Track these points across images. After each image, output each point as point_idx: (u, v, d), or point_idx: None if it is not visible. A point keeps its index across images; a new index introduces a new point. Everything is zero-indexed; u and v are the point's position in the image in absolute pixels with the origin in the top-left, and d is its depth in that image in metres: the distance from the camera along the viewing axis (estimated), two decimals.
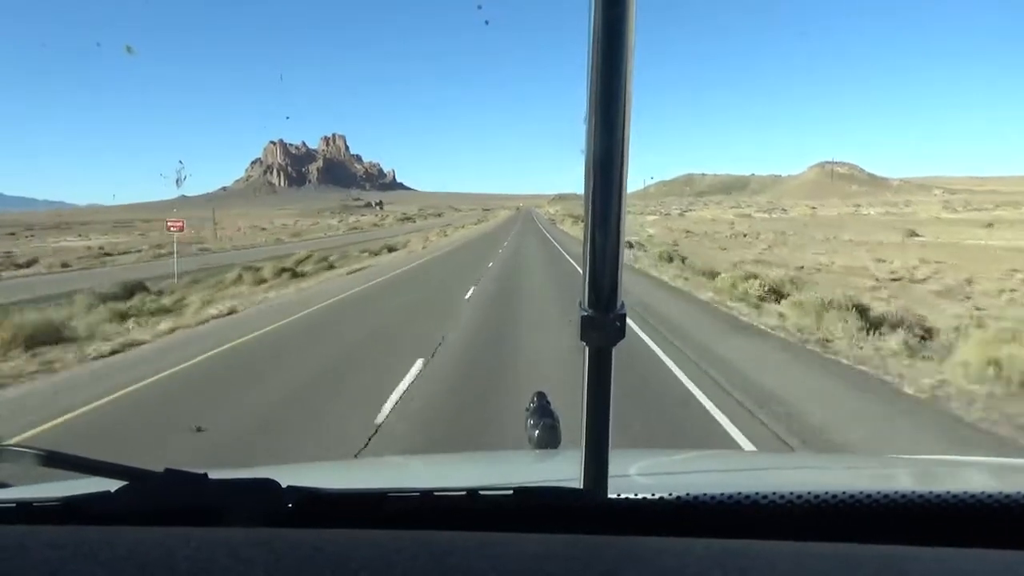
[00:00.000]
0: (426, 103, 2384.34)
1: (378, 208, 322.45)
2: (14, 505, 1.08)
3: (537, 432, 1.95)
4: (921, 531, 0.97)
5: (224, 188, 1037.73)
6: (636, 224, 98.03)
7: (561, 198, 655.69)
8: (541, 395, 2.10)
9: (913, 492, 1.01)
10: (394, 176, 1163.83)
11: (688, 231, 76.91)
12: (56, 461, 0.96)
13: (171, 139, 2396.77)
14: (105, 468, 0.96)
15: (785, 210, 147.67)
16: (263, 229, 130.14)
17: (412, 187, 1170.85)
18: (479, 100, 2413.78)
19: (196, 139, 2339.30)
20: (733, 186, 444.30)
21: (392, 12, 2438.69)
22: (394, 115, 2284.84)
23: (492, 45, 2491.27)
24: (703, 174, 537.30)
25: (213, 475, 1.00)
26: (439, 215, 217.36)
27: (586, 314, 0.83)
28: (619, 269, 0.81)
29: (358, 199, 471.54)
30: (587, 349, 0.86)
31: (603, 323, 0.83)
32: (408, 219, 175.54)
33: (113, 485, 0.96)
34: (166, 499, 0.97)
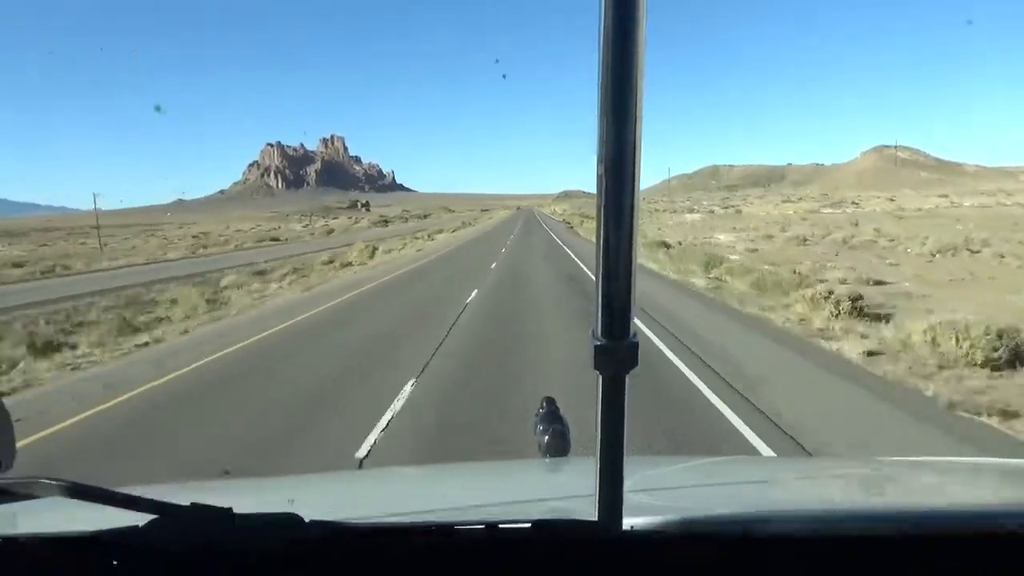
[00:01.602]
0: (426, 104, 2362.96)
1: (364, 210, 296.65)
2: (43, 537, 1.11)
3: (547, 439, 1.95)
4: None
5: (222, 191, 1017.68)
6: (682, 229, 71.53)
7: (567, 196, 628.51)
8: (550, 400, 2.09)
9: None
10: (393, 177, 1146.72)
11: (768, 235, 50.98)
12: (85, 494, 0.98)
13: (171, 142, 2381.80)
14: (133, 502, 0.98)
15: (856, 203, 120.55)
16: (195, 237, 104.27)
17: (412, 188, 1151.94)
18: (479, 99, 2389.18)
19: (195, 142, 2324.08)
20: (768, 177, 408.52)
21: (392, 11, 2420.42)
22: (393, 116, 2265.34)
23: (492, 44, 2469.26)
24: (730, 165, 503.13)
25: (238, 496, 1.03)
26: (424, 216, 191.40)
27: (599, 343, 0.81)
28: (631, 296, 0.80)
29: (356, 201, 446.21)
30: (600, 378, 0.84)
31: (617, 351, 0.81)
32: (385, 222, 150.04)
33: (142, 519, 0.99)
34: (193, 535, 1.00)
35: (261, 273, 29.50)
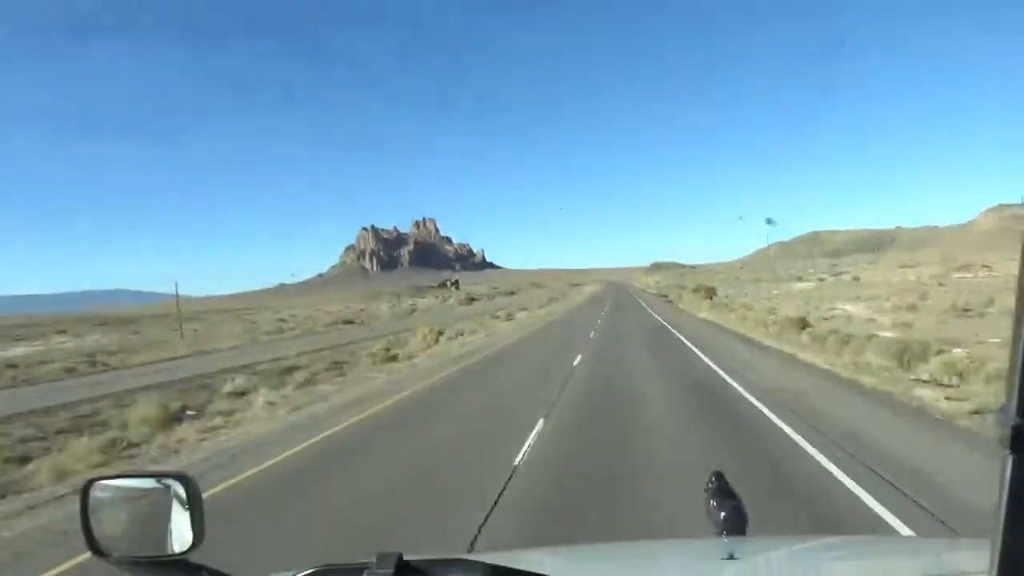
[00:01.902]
0: (513, 184, 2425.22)
1: (453, 288, 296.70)
2: None
3: (723, 515, 1.86)
4: None
5: (320, 275, 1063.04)
6: (795, 300, 62.49)
7: (657, 267, 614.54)
8: (720, 475, 2.02)
9: None
10: (483, 256, 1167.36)
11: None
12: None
13: (273, 230, 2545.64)
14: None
15: (988, 267, 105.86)
16: (280, 320, 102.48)
17: (501, 265, 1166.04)
18: (566, 176, 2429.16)
19: (296, 228, 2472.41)
20: (875, 242, 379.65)
21: (481, 101, 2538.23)
22: (482, 198, 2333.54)
23: (569, 126, 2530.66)
24: (832, 231, 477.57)
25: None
26: (511, 293, 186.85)
27: (1018, 423, 0.70)
28: None
29: (445, 280, 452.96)
30: (1011, 459, 0.72)
31: None
32: (471, 300, 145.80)
33: None
34: None
35: (288, 371, 23.47)
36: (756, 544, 1.85)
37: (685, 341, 22.70)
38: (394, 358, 24.42)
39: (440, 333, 34.73)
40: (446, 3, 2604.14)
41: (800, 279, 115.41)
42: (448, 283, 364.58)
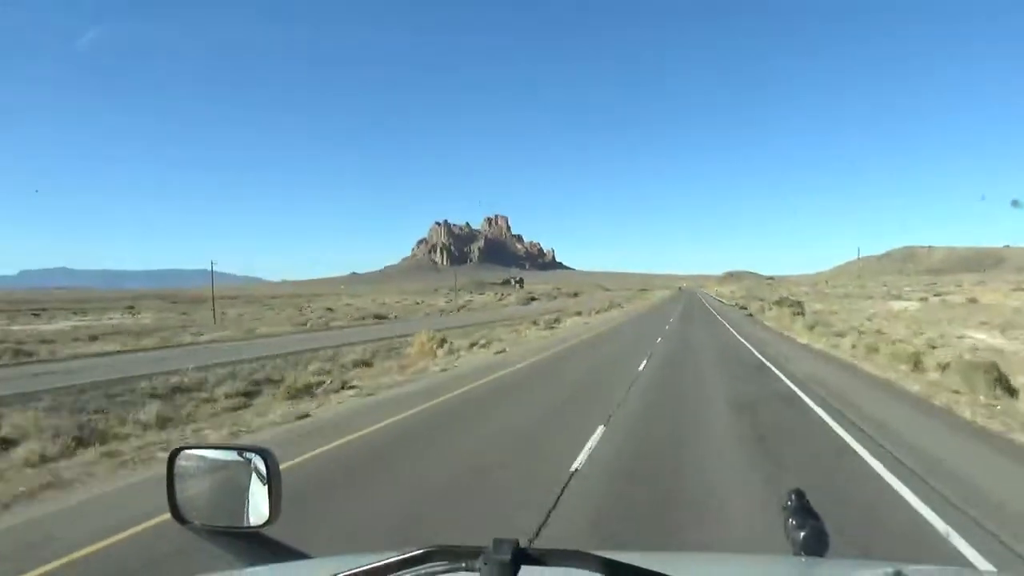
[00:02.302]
0: (587, 184, 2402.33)
1: (517, 286, 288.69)
2: None
3: (803, 535, 1.79)
4: None
5: (391, 266, 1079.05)
6: (899, 322, 51.59)
7: (732, 276, 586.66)
8: (800, 494, 1.93)
9: None
10: (553, 255, 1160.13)
11: None
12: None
13: (350, 218, 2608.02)
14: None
15: None
16: (328, 310, 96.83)
17: (570, 266, 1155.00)
18: (641, 180, 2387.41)
19: (371, 219, 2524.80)
20: (979, 261, 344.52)
21: (555, 94, 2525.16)
22: (556, 196, 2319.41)
23: (649, 128, 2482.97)
24: (929, 247, 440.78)
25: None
26: (574, 295, 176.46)
27: None
28: None
29: (510, 278, 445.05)
30: None
31: None
32: (531, 299, 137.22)
33: None
34: None
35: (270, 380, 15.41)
36: (834, 566, 1.81)
37: (803, 396, 13.15)
38: (308, 389, 15.74)
39: (443, 342, 26.30)
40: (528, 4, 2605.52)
41: (899, 297, 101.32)
42: (512, 281, 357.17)
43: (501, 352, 24.13)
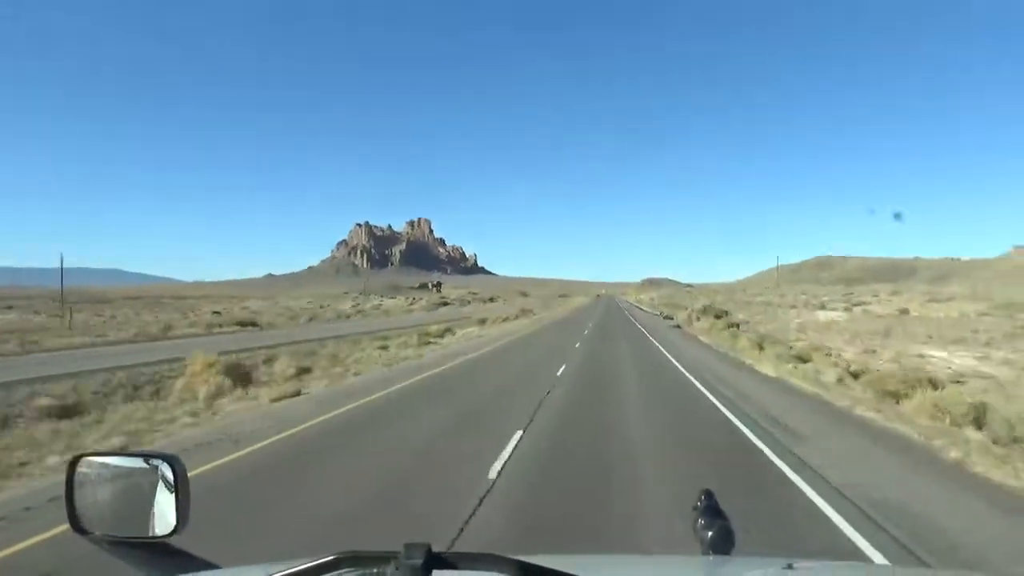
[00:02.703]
0: (511, 190, 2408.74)
1: (434, 290, 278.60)
2: None
3: (710, 534, 1.82)
4: None
5: (310, 268, 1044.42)
6: (834, 334, 46.33)
7: (651, 283, 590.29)
8: (709, 494, 1.96)
9: None
10: (476, 260, 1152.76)
11: None
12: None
13: (267, 219, 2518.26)
14: None
15: None
16: (215, 313, 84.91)
17: (493, 272, 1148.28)
18: (563, 187, 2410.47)
19: (290, 220, 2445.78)
20: (892, 272, 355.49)
21: (482, 100, 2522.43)
22: (479, 202, 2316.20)
23: (569, 136, 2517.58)
24: (843, 257, 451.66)
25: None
26: (490, 300, 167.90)
27: None
28: None
29: (426, 282, 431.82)
30: None
31: None
32: (443, 304, 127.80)
33: None
34: None
35: None
36: (740, 565, 1.83)
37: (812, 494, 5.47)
38: None
39: (237, 375, 17.00)
40: (471, 21, 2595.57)
41: (823, 307, 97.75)
42: (430, 285, 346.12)
43: (293, 396, 14.88)
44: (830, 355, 31.20)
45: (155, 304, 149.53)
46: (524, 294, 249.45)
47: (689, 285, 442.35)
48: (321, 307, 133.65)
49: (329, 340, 32.99)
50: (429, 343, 30.04)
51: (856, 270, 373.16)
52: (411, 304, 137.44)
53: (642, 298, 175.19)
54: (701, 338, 33.49)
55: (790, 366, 19.45)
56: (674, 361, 23.38)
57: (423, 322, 60.45)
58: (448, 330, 38.23)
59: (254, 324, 53.88)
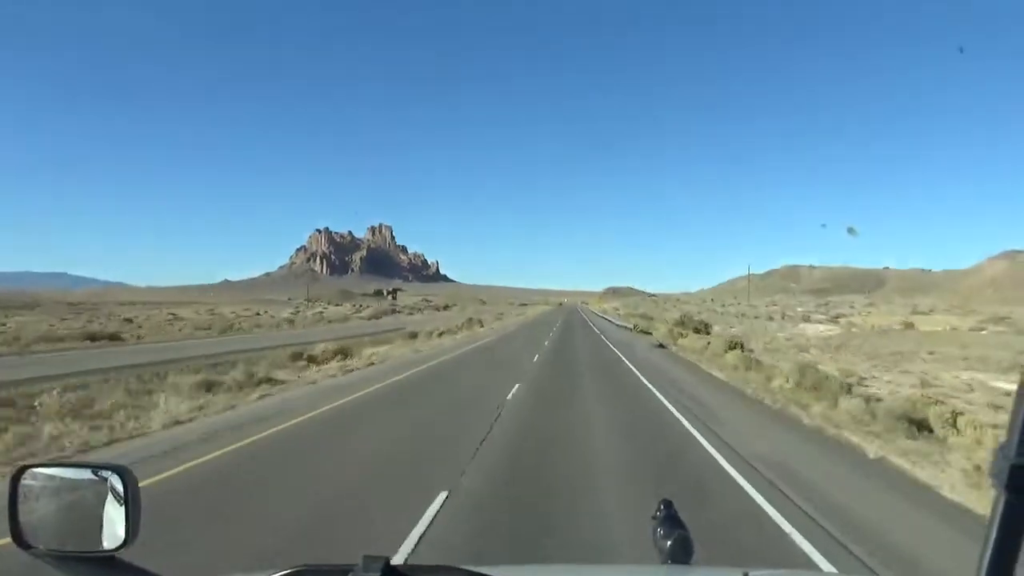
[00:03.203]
0: (473, 198, 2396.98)
1: (390, 298, 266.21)
2: None
3: (669, 544, 1.83)
4: None
5: (268, 274, 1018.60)
6: (832, 352, 36.41)
7: (614, 292, 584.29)
8: (668, 503, 1.97)
9: None
10: (438, 268, 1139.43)
11: None
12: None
13: (222, 224, 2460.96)
14: None
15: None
16: (129, 321, 72.51)
17: (455, 279, 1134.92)
18: (526, 196, 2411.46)
19: (247, 226, 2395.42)
20: (861, 282, 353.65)
21: (447, 107, 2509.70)
22: (442, 208, 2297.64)
23: (536, 141, 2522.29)
24: (811, 266, 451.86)
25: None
26: (445, 308, 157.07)
27: (1017, 462, 0.67)
28: None
29: (381, 289, 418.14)
30: (1004, 499, 0.70)
31: None
32: (394, 311, 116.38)
33: None
34: None
35: None
36: (698, 574, 1.84)
37: None
38: None
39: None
40: (434, 15, 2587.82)
41: (808, 319, 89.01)
42: (385, 291, 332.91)
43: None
44: (874, 389, 21.38)
45: (97, 310, 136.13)
46: (483, 302, 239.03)
47: (653, 295, 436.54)
48: (258, 314, 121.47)
49: (169, 365, 22.13)
50: (270, 384, 18.81)
51: (824, 280, 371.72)
52: (357, 312, 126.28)
53: (606, 307, 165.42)
54: (714, 372, 22.82)
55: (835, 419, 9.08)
56: (731, 470, 8.93)
57: (362, 332, 49.54)
58: (342, 352, 27.28)
59: (115, 338, 41.94)
